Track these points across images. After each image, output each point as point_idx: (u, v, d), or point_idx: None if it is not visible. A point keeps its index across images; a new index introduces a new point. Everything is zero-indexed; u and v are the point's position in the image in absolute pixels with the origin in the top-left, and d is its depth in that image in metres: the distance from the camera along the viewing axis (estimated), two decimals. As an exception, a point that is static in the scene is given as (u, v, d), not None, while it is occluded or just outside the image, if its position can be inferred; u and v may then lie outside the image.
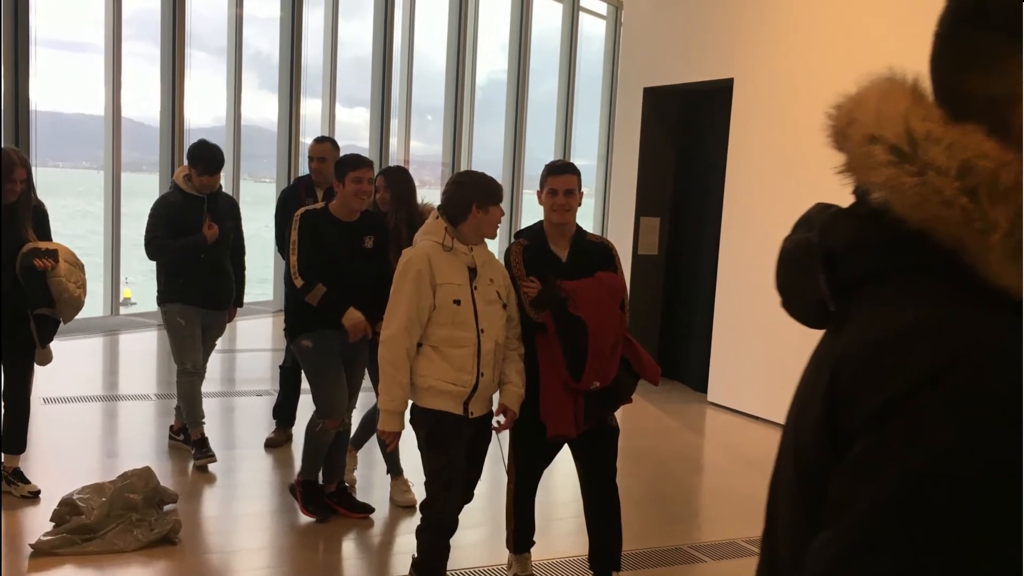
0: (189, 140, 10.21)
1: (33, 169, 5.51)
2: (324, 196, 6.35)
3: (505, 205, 4.55)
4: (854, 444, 0.99)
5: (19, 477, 5.52)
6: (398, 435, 4.21)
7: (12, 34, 10.00)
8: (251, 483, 6.15)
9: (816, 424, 1.07)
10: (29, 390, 5.55)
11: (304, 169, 8.11)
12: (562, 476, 5.95)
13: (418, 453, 4.26)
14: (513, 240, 4.56)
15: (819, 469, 1.06)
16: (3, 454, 5.51)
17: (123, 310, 12.40)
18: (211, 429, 6.48)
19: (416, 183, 5.75)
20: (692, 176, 9.91)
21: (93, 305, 9.05)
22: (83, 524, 4.88)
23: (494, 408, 4.34)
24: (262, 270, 13.17)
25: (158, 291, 6.26)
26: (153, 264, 6.29)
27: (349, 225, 5.28)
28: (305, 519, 5.45)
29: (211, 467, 6.19)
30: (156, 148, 12.00)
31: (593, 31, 17.53)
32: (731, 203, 8.80)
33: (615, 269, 4.49)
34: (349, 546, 5.35)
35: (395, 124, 14.73)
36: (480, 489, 4.58)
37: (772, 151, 8.29)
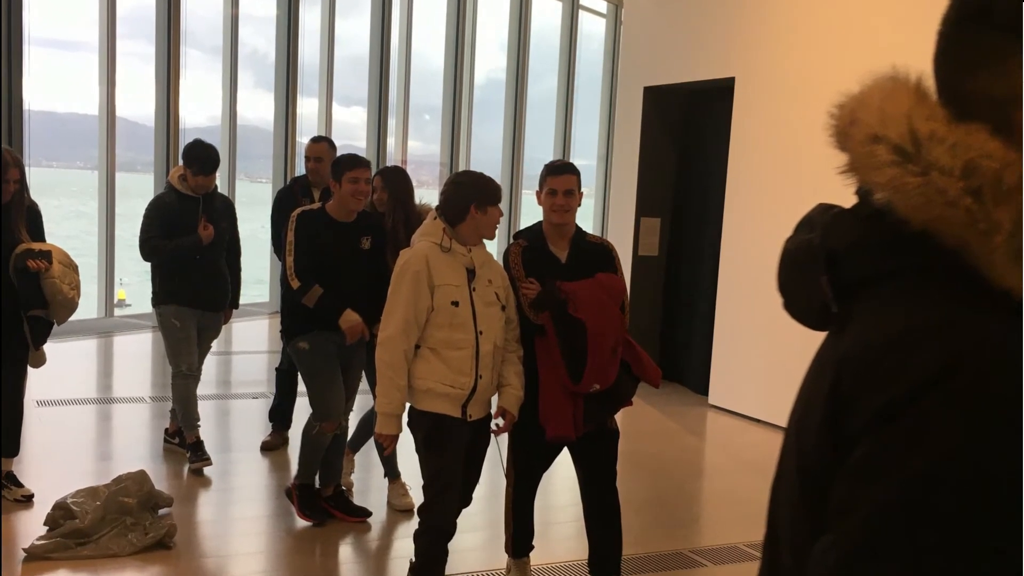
0: (184, 140, 10.23)
1: (27, 169, 5.51)
2: (321, 196, 6.35)
3: (504, 205, 4.54)
4: (856, 447, 0.99)
5: (12, 481, 5.52)
6: (396, 438, 4.21)
7: (5, 32, 9.99)
8: (247, 487, 6.15)
9: (818, 427, 1.07)
10: (22, 392, 5.54)
11: (300, 169, 8.12)
12: (561, 479, 5.95)
13: (416, 456, 4.26)
14: (512, 241, 4.56)
15: (821, 472, 1.06)
16: (-4, 457, 5.51)
17: (117, 312, 12.39)
18: (207, 432, 6.48)
19: (414, 183, 5.75)
20: (693, 176, 9.91)
21: (87, 307, 9.04)
22: (77, 528, 4.88)
23: (493, 411, 4.34)
24: (258, 271, 13.18)
25: (153, 292, 6.26)
26: (148, 265, 6.29)
27: (346, 226, 5.27)
28: (302, 523, 5.45)
29: (206, 470, 6.19)
30: (151, 148, 12.00)
31: (593, 29, 17.55)
32: (732, 203, 8.81)
33: (615, 270, 4.49)
34: (346, 550, 5.35)
35: (392, 123, 14.73)
36: (479, 493, 4.58)
37: (774, 151, 8.29)
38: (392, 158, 14.64)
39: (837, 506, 1.00)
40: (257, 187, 18.14)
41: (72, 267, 5.47)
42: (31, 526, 5.06)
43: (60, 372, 7.80)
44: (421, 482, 4.22)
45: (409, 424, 4.22)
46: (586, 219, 15.10)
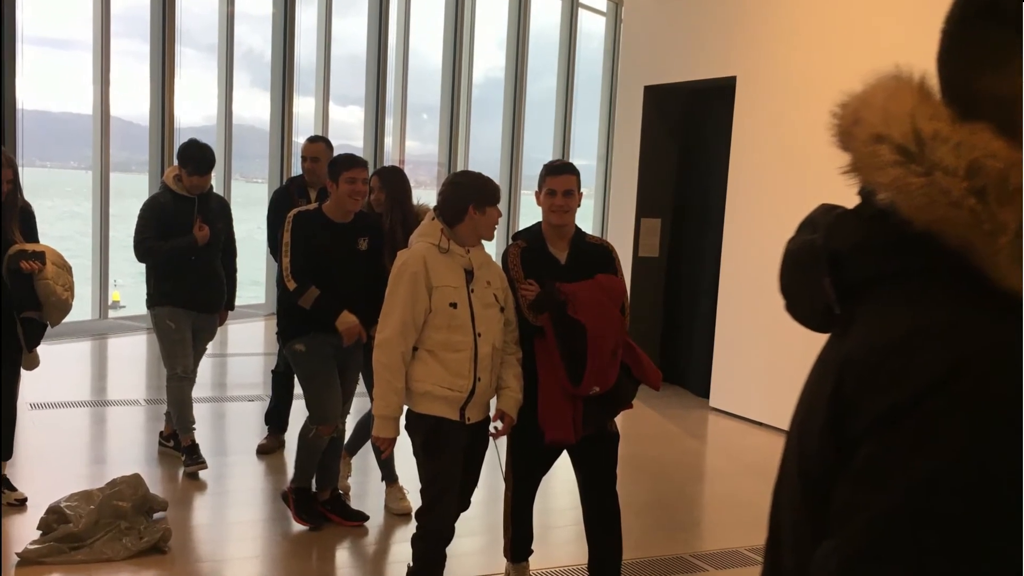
0: (179, 140, 10.21)
1: (20, 169, 5.51)
2: (317, 197, 6.35)
3: (503, 206, 4.54)
4: (859, 450, 0.99)
5: (6, 484, 5.51)
6: (393, 441, 4.21)
7: (-2, 31, 9.99)
8: (243, 490, 6.15)
9: (821, 430, 1.07)
10: (16, 395, 5.54)
11: (297, 169, 8.12)
12: (561, 483, 5.95)
13: (413, 460, 4.25)
14: (511, 242, 4.56)
15: (824, 476, 1.06)
16: (-11, 461, 5.50)
17: (112, 313, 12.39)
18: (202, 435, 6.47)
19: (411, 183, 5.75)
20: (694, 176, 9.92)
21: (81, 308, 9.03)
22: (71, 532, 4.87)
23: (491, 414, 4.34)
24: (254, 272, 13.17)
25: (147, 294, 6.26)
26: (142, 266, 6.28)
27: (343, 227, 5.27)
28: (298, 527, 5.45)
29: (202, 474, 6.19)
30: (145, 148, 12.00)
31: (593, 28, 17.55)
32: (734, 204, 8.81)
33: (615, 271, 4.49)
34: (343, 555, 5.35)
35: (390, 123, 14.72)
36: (477, 497, 4.57)
37: (776, 151, 8.29)
38: (389, 158, 14.64)
39: (840, 510, 1.00)
40: (253, 187, 18.15)
41: (66, 268, 5.46)
42: (24, 530, 5.05)
43: (54, 375, 7.79)
44: (419, 486, 4.22)
45: (407, 427, 4.21)
46: (586, 220, 15.09)
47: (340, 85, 14.48)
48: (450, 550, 4.23)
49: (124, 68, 12.88)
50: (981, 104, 1.01)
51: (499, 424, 4.31)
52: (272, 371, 7.00)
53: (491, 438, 4.35)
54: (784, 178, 8.13)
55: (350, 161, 5.25)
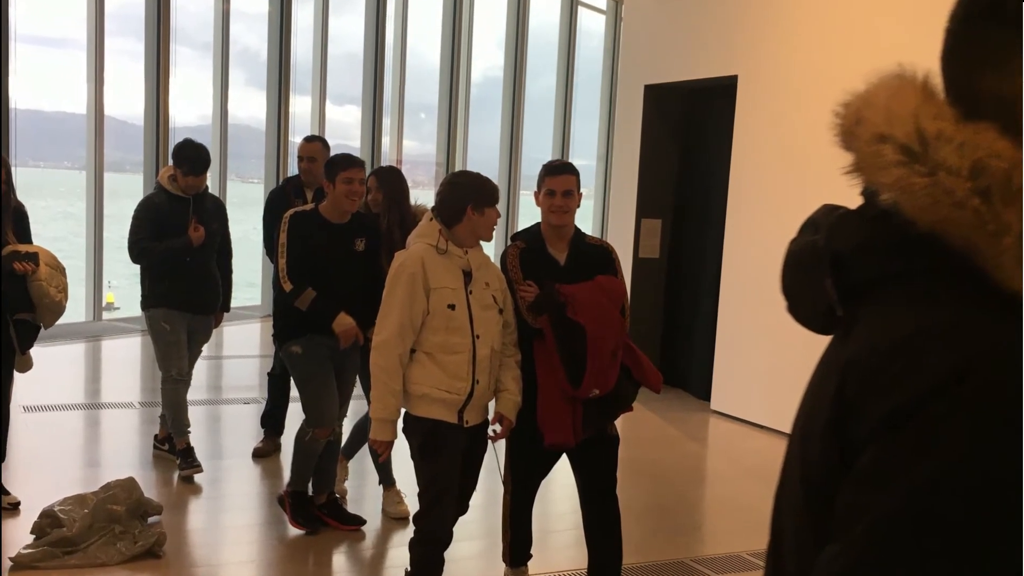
0: (174, 139, 10.23)
1: (12, 169, 5.50)
2: (314, 197, 6.35)
3: (501, 206, 4.55)
4: (862, 453, 0.99)
5: (-2, 488, 5.51)
6: (390, 444, 4.21)
7: (-9, 29, 9.99)
8: (238, 494, 6.15)
9: (823, 433, 1.07)
10: (8, 398, 5.54)
11: (293, 169, 8.12)
12: (560, 487, 5.95)
13: (411, 463, 4.25)
14: (510, 243, 4.56)
15: (826, 479, 1.06)
16: (-19, 464, 5.50)
17: (106, 315, 12.39)
18: (197, 438, 6.47)
19: (409, 184, 5.76)
20: (695, 177, 9.92)
21: (75, 310, 9.03)
22: (64, 537, 4.87)
23: (490, 417, 4.33)
24: (250, 274, 13.16)
25: (142, 295, 6.25)
26: (137, 268, 6.28)
27: (340, 227, 5.27)
28: (294, 531, 5.44)
29: (197, 478, 6.18)
30: (140, 147, 12.00)
31: (592, 26, 17.56)
32: (735, 204, 8.81)
33: (615, 273, 4.49)
34: (340, 559, 5.34)
35: (387, 122, 14.72)
36: (475, 500, 4.57)
37: (777, 151, 8.30)
38: (387, 158, 14.64)
39: (842, 514, 1.00)
40: (249, 187, 18.15)
41: (59, 269, 5.46)
42: (17, 534, 5.05)
43: (47, 377, 7.79)
44: (416, 489, 4.22)
45: (404, 430, 4.21)
46: (585, 220, 15.10)
47: (337, 84, 14.53)
48: (448, 554, 4.23)
49: (118, 67, 12.86)
50: (985, 104, 1.01)
51: (498, 427, 4.31)
52: (268, 373, 7.00)
53: (490, 441, 4.35)
54: (786, 178, 8.13)
55: (347, 161, 5.25)
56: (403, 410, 4.18)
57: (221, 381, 9.46)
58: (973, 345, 0.94)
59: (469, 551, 5.30)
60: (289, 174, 7.91)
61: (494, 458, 4.51)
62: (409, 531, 4.32)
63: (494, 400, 4.30)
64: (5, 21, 10.13)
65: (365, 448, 5.67)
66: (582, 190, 4.54)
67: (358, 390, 5.65)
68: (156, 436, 6.70)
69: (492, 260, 4.36)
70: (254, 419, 7.34)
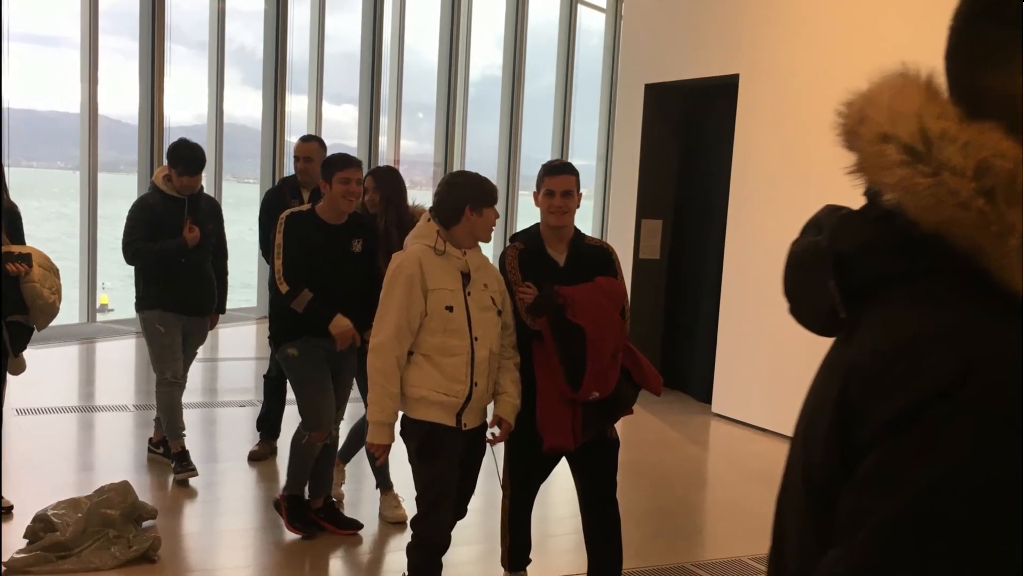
0: (169, 139, 10.19)
1: (5, 169, 5.50)
2: (310, 198, 6.34)
3: (500, 207, 4.54)
4: (865, 457, 0.99)
5: (-10, 492, 5.51)
6: (388, 448, 4.20)
7: (-16, 28, 9.99)
8: (234, 498, 6.14)
9: (826, 436, 1.07)
10: (1, 401, 5.53)
11: (289, 169, 8.13)
12: (559, 491, 5.95)
13: (409, 467, 4.25)
14: (508, 244, 4.56)
15: (829, 483, 1.06)
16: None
17: (100, 317, 12.38)
18: (192, 441, 6.47)
19: (407, 184, 5.75)
20: (696, 177, 9.92)
21: (68, 312, 9.03)
22: (58, 541, 4.87)
23: (488, 419, 4.33)
24: (245, 275, 13.18)
25: (136, 297, 6.25)
26: (131, 269, 6.28)
27: (336, 228, 5.27)
28: (290, 536, 5.44)
29: (192, 481, 6.18)
30: (134, 147, 11.99)
31: (592, 24, 17.57)
32: (736, 205, 8.81)
33: (615, 274, 4.49)
34: (336, 564, 5.34)
35: (385, 122, 14.73)
36: (474, 504, 4.57)
37: (779, 150, 8.30)
38: (384, 158, 14.65)
39: (845, 518, 1.00)
40: (244, 188, 18.15)
41: (53, 271, 5.46)
42: (10, 539, 5.04)
43: (40, 380, 7.78)
44: (414, 493, 4.22)
45: (402, 433, 4.21)
46: (585, 221, 15.10)
47: (334, 83, 14.51)
48: (446, 559, 4.23)
49: (112, 66, 12.88)
50: (989, 103, 1.01)
51: (496, 430, 4.30)
52: (264, 376, 6.99)
53: (488, 444, 4.35)
54: (788, 178, 8.14)
55: (344, 161, 5.25)
56: (400, 413, 4.18)
57: (216, 384, 9.46)
58: (976, 347, 0.94)
59: (467, 556, 5.30)
60: (285, 174, 7.93)
61: (493, 461, 4.51)
62: (407, 535, 4.32)
63: (493, 403, 4.30)
64: (-2, 19, 10.13)
65: (362, 451, 5.66)
66: (582, 190, 4.54)
67: (355, 393, 5.65)
68: (151, 439, 6.70)
69: (491, 261, 4.35)
70: (250, 422, 7.34)
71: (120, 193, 11.62)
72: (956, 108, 1.03)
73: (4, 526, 5.28)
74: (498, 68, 16.15)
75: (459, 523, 4.40)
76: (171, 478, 6.22)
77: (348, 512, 5.75)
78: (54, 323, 5.68)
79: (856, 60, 7.24)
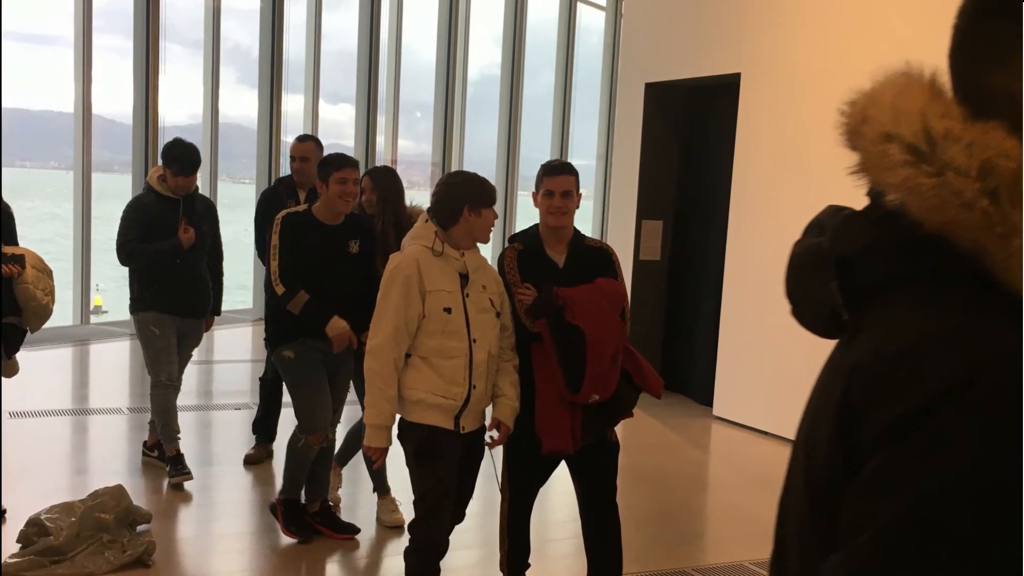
0: (164, 139, 10.20)
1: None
2: (307, 198, 6.35)
3: (499, 207, 4.54)
4: (868, 460, 0.99)
5: (-17, 496, 5.51)
6: (385, 451, 4.20)
7: (-24, 26, 9.98)
8: (229, 502, 6.14)
9: (828, 439, 1.07)
10: (-6, 404, 5.53)
11: (285, 169, 8.13)
12: (559, 495, 5.95)
13: (406, 470, 4.25)
14: (507, 244, 4.55)
15: (831, 487, 1.06)
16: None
17: (94, 319, 12.39)
18: (187, 445, 6.46)
19: (404, 184, 5.75)
20: (697, 177, 9.92)
21: (62, 313, 9.02)
22: (51, 546, 4.86)
23: (487, 423, 4.33)
24: (241, 276, 13.19)
25: (131, 299, 6.25)
26: (125, 270, 6.28)
27: (333, 229, 5.27)
28: (287, 540, 5.44)
29: (187, 485, 6.18)
30: (129, 147, 12.00)
31: (592, 23, 17.58)
32: (738, 205, 8.81)
33: (615, 275, 4.49)
34: (333, 569, 5.34)
35: (382, 121, 14.73)
36: (472, 508, 4.57)
37: (781, 150, 8.30)
38: (381, 158, 14.65)
39: (848, 522, 1.00)
40: (240, 188, 18.17)
41: (46, 272, 5.46)
42: (3, 544, 5.04)
43: (34, 382, 7.78)
44: (412, 497, 4.21)
45: (399, 436, 4.21)
46: (585, 222, 15.11)
47: (330, 82, 14.52)
48: (444, 564, 4.23)
49: (107, 65, 12.91)
50: (993, 102, 1.01)
51: (495, 433, 4.30)
52: (260, 378, 6.99)
53: (487, 448, 4.35)
54: (790, 179, 8.14)
55: (340, 161, 5.24)
56: (398, 416, 4.18)
57: (212, 386, 9.45)
58: (980, 349, 0.94)
59: (465, 560, 5.30)
60: (281, 174, 7.93)
61: (491, 465, 4.50)
62: (404, 540, 4.32)
63: (491, 406, 4.30)
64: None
65: (359, 455, 5.66)
66: (581, 191, 4.54)
67: (352, 396, 5.65)
68: (145, 443, 6.69)
69: (489, 262, 4.35)
70: (245, 425, 7.33)
71: (114, 193, 11.63)
72: (960, 107, 1.03)
73: (-3, 530, 5.29)
74: (497, 67, 16.17)
75: (457, 527, 4.40)
76: (166, 482, 6.22)
77: (345, 516, 5.74)
78: (47, 325, 5.69)
79: (859, 59, 7.24)
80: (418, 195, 7.03)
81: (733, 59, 8.83)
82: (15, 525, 5.13)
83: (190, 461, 6.29)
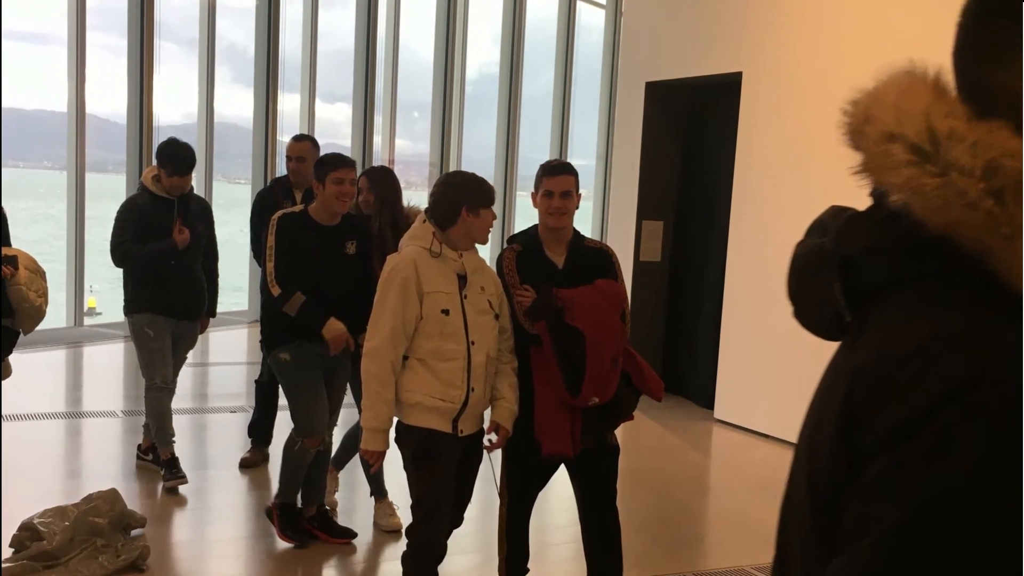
0: (158, 138, 10.22)
1: (-9, 169, 5.50)
2: (303, 198, 6.35)
3: (497, 208, 4.54)
4: (871, 463, 0.99)
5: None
6: (382, 455, 4.20)
7: (-32, 24, 9.98)
8: (224, 506, 6.14)
9: (831, 442, 1.07)
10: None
11: (281, 169, 8.11)
12: (558, 498, 5.94)
13: (404, 474, 4.24)
14: (506, 245, 4.55)
15: (834, 490, 1.06)
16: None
17: (88, 320, 12.38)
18: (182, 448, 6.46)
19: (402, 184, 5.76)
20: (697, 177, 9.92)
21: (55, 315, 9.03)
22: (44, 550, 4.86)
23: (485, 426, 4.33)
24: (236, 278, 13.16)
25: (125, 300, 6.25)
26: (119, 271, 6.28)
27: (330, 229, 5.27)
28: (283, 545, 5.44)
29: (182, 489, 6.17)
30: (123, 147, 11.99)
31: (592, 21, 17.58)
32: (739, 206, 8.82)
33: (615, 277, 4.49)
34: (330, 574, 5.34)
35: (379, 121, 14.73)
36: (470, 512, 4.56)
37: (783, 150, 8.30)
38: (379, 157, 14.65)
39: (851, 526, 1.00)
40: (235, 188, 18.15)
41: (39, 273, 5.46)
42: (-5, 548, 5.05)
43: (27, 384, 7.77)
44: (409, 501, 4.21)
45: (397, 440, 4.21)
46: (584, 222, 15.11)
47: (327, 81, 14.50)
48: (442, 569, 4.23)
49: (100, 63, 12.93)
50: (997, 101, 1.01)
51: (494, 437, 4.30)
52: (256, 381, 6.99)
53: (485, 451, 4.34)
54: (792, 179, 8.14)
55: (337, 161, 5.24)
56: (395, 419, 4.18)
57: (207, 389, 9.45)
58: (985, 351, 0.94)
59: (464, 565, 5.30)
60: (277, 174, 7.91)
61: (490, 468, 4.50)
62: (402, 544, 4.32)
63: (490, 409, 4.30)
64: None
65: (356, 458, 5.66)
66: (581, 191, 4.53)
67: (349, 399, 5.64)
68: (139, 446, 6.69)
69: (488, 264, 4.35)
70: (241, 428, 7.33)
71: (108, 194, 11.62)
72: (964, 107, 1.03)
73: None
74: (495, 66, 16.18)
75: (455, 532, 4.40)
76: (160, 485, 6.22)
77: (342, 520, 5.74)
78: (40, 327, 5.68)
79: (862, 58, 7.24)
80: (416, 195, 7.03)
81: (734, 58, 8.84)
82: (7, 529, 5.11)
83: (185, 464, 6.29)
